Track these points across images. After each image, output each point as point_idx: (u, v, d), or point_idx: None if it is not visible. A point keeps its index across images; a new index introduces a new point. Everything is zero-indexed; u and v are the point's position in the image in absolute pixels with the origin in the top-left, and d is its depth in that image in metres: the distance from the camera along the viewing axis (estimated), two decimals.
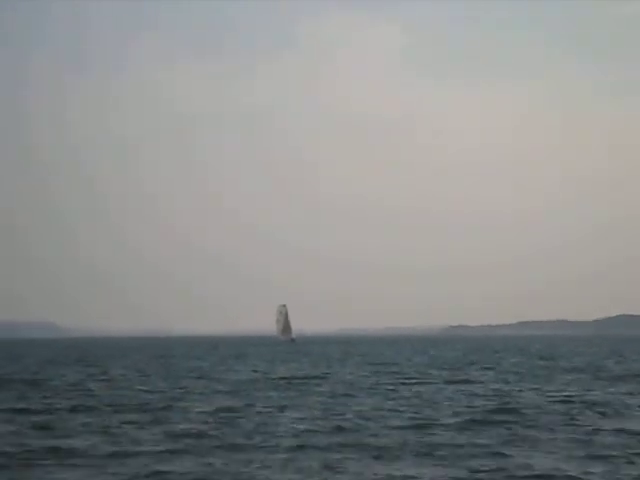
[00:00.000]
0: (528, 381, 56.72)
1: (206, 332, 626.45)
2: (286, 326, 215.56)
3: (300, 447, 27.62)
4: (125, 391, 49.71)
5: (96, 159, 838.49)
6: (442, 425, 32.82)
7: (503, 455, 26.24)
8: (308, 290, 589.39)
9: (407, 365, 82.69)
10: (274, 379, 60.06)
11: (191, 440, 29.33)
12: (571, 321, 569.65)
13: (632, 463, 25.17)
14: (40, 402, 42.78)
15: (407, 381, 56.84)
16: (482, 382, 55.72)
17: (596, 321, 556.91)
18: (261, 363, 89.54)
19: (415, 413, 36.95)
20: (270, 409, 38.65)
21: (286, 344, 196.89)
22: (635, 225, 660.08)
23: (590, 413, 37.01)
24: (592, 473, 23.73)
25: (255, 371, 72.08)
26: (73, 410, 38.92)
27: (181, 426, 32.77)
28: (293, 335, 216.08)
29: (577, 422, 33.73)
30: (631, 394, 46.22)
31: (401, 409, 38.56)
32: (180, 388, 51.44)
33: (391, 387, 51.48)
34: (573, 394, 46.06)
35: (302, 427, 32.24)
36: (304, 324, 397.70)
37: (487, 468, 24.24)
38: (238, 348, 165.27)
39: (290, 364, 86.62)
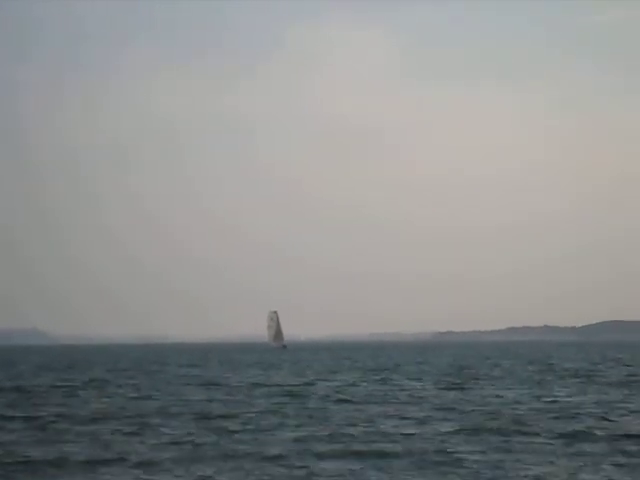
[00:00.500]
0: (525, 387, 56.51)
1: (200, 339, 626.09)
2: (278, 332, 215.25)
3: (298, 454, 27.34)
4: (117, 399, 49.29)
5: (90, 161, 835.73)
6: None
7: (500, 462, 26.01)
8: (298, 296, 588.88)
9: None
10: (269, 385, 59.72)
11: (182, 448, 28.98)
12: (558, 327, 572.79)
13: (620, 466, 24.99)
14: (25, 409, 42.35)
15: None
16: (480, 388, 55.50)
17: (583, 327, 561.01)
18: (257, 370, 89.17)
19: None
20: (263, 416, 38.32)
21: (277, 350, 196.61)
22: (624, 236, 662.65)
23: (588, 418, 36.82)
24: None
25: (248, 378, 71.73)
26: (58, 418, 38.49)
27: (171, 434, 32.41)
28: (284, 342, 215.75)
29: (575, 427, 33.54)
30: (629, 399, 46.06)
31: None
32: (170, 395, 51.00)
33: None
34: (570, 399, 45.90)
35: (298, 435, 31.94)
36: (294, 330, 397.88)
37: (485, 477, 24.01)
38: (229, 354, 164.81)
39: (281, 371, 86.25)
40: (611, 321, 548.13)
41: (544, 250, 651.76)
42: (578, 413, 39.01)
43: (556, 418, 36.96)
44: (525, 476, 24.03)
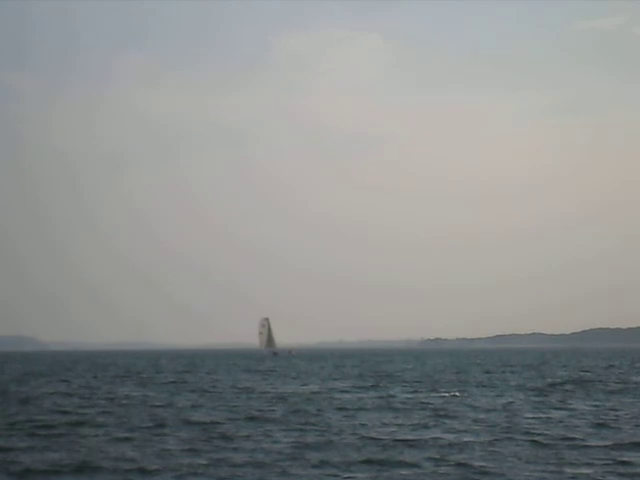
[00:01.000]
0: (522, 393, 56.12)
1: (192, 345, 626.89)
2: (269, 339, 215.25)
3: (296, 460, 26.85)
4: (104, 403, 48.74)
5: (84, 166, 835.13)
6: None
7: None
8: (289, 304, 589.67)
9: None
10: (264, 393, 59.15)
11: (172, 455, 28.32)
12: (547, 334, 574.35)
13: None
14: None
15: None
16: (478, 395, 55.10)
17: (572, 334, 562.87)
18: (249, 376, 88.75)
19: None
20: (254, 423, 37.72)
21: (268, 357, 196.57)
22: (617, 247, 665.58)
23: (584, 425, 36.31)
24: None
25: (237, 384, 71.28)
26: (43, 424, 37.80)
27: (166, 442, 31.78)
28: (276, 349, 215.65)
29: (573, 434, 32.99)
30: (627, 406, 45.65)
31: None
32: (159, 402, 50.43)
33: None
34: (567, 406, 45.48)
35: (294, 441, 31.35)
36: (284, 337, 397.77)
37: None
38: (220, 360, 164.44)
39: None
40: (599, 328, 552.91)
41: (532, 258, 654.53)
42: (576, 419, 38.61)
43: (556, 423, 36.48)
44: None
